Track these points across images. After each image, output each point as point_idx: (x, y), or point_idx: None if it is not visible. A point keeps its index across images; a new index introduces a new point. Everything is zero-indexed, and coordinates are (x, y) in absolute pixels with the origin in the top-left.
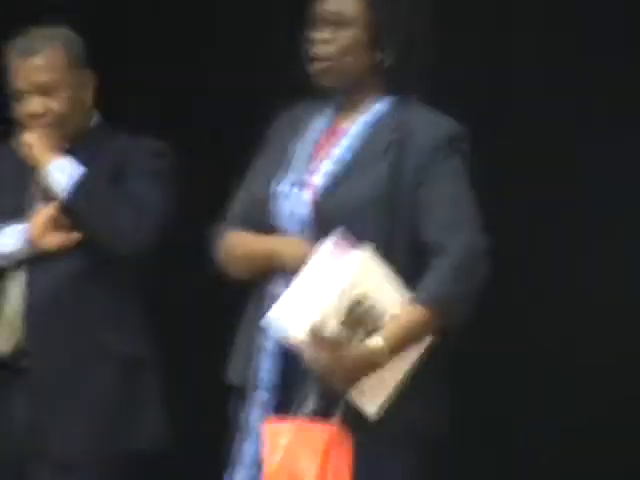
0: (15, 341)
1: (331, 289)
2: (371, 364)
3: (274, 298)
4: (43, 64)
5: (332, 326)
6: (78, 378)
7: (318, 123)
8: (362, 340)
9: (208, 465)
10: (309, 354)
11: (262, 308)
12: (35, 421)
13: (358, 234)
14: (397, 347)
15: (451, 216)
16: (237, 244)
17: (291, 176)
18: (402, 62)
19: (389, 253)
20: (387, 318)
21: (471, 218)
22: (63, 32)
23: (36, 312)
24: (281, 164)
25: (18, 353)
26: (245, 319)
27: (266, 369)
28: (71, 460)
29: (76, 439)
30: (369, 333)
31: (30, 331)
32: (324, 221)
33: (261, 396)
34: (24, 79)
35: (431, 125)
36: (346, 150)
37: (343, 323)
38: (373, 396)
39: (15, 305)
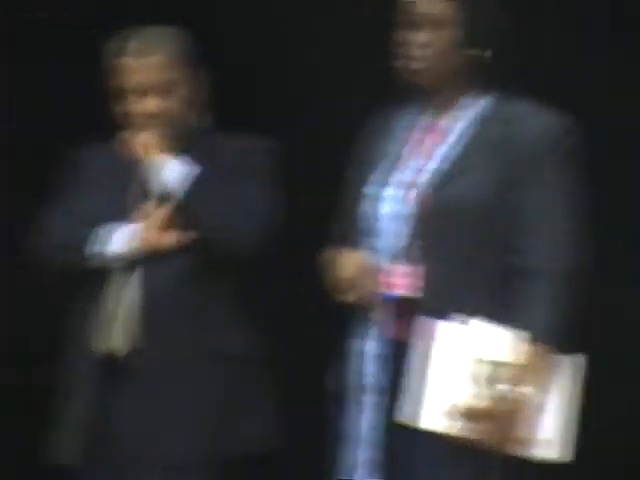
0: (131, 341)
1: (451, 368)
2: (525, 412)
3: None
4: (159, 63)
5: (474, 399)
6: (190, 380)
7: (409, 122)
8: (502, 396)
9: (308, 468)
10: (469, 434)
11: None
12: (145, 422)
13: (468, 233)
14: (535, 387)
15: (547, 237)
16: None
17: (396, 177)
18: (498, 57)
19: (499, 251)
20: (510, 365)
21: (568, 235)
22: (174, 31)
23: (152, 312)
24: (382, 167)
25: (135, 353)
26: (346, 329)
27: (371, 373)
28: (180, 461)
29: (186, 440)
30: (511, 388)
31: (147, 331)
32: (435, 220)
33: (371, 399)
34: (139, 79)
35: (538, 121)
36: (453, 147)
37: (479, 391)
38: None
39: (130, 305)
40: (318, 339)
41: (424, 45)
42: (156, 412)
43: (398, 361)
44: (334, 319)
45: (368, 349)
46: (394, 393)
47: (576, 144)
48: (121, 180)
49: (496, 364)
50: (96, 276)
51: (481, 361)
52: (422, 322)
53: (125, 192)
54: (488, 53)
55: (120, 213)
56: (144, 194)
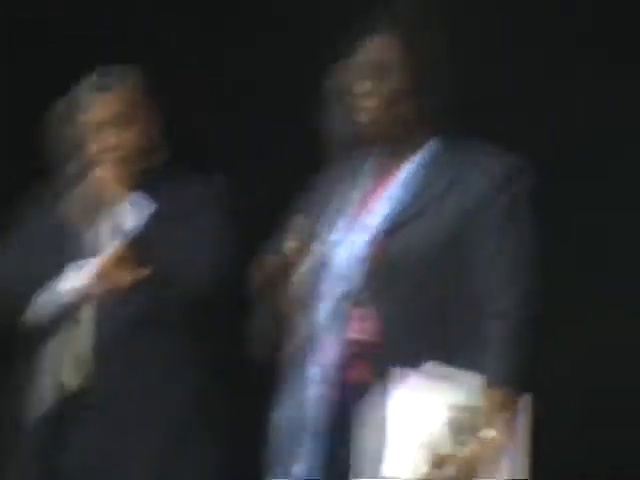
0: (82, 376)
1: (410, 414)
2: (488, 455)
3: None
4: (118, 97)
5: (436, 444)
6: (145, 414)
7: (362, 171)
8: (465, 440)
9: None
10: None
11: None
12: (101, 454)
13: (420, 278)
14: (502, 430)
15: (497, 281)
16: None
17: (344, 222)
18: (443, 101)
19: (455, 295)
20: (479, 411)
21: (526, 276)
22: (133, 70)
23: (104, 348)
24: (330, 213)
25: (85, 388)
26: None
27: (314, 417)
28: None
29: (143, 472)
30: (473, 432)
31: (98, 367)
32: (386, 265)
33: (312, 443)
34: (98, 113)
35: (486, 165)
36: (401, 191)
37: (441, 436)
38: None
39: (83, 340)
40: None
41: (369, 93)
42: (104, 449)
43: (346, 404)
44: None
45: (312, 391)
46: (340, 437)
47: (527, 186)
48: (63, 233)
49: (458, 409)
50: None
51: (442, 406)
52: (376, 367)
53: (78, 231)
54: (436, 99)
55: (77, 250)
56: (99, 231)
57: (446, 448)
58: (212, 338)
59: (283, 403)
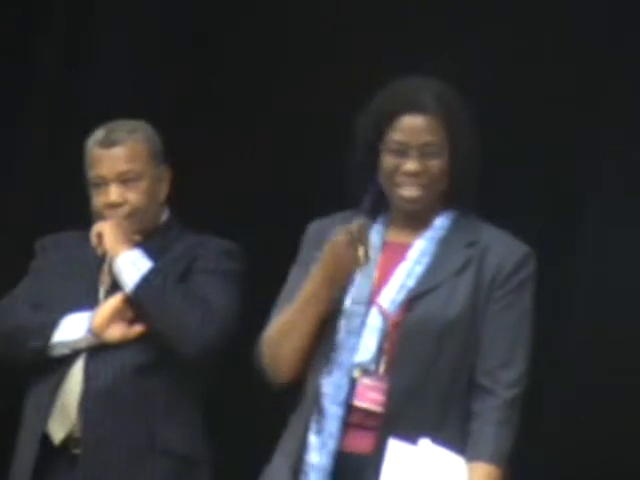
0: (69, 428)
1: None
2: None
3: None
4: (125, 155)
5: None
6: (128, 472)
7: (373, 239)
8: None
9: None
10: None
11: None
12: None
13: (435, 351)
14: None
15: (503, 356)
16: (275, 327)
17: (356, 290)
18: (466, 180)
19: (460, 370)
20: None
21: (523, 356)
22: (143, 126)
23: (92, 402)
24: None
25: (71, 441)
26: (291, 430)
27: None
28: None
29: None
30: None
31: (85, 420)
32: (400, 337)
33: None
34: (105, 168)
35: (505, 247)
36: (416, 264)
37: None
38: None
39: (72, 392)
40: (257, 438)
41: (417, 173)
42: None
43: (345, 474)
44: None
45: (314, 460)
46: None
47: (533, 272)
48: (93, 269)
49: None
50: (46, 363)
51: None
52: (378, 438)
53: (81, 281)
54: (458, 175)
55: (74, 302)
56: (108, 284)
57: None
58: (204, 394)
59: (278, 459)
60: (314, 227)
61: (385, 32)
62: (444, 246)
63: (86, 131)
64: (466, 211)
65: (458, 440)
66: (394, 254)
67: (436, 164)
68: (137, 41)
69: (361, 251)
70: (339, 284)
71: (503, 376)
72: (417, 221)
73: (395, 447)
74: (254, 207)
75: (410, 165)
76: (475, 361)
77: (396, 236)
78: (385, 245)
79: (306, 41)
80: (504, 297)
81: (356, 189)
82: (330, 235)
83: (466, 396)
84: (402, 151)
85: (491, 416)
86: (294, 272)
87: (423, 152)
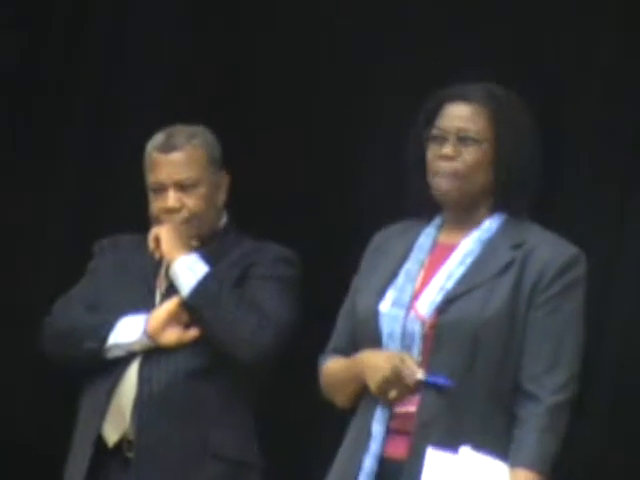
0: (123, 431)
1: None
2: None
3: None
4: (184, 161)
5: None
6: (181, 476)
7: (423, 241)
8: None
9: None
10: None
11: (362, 438)
12: None
13: (471, 353)
14: None
15: (548, 362)
16: (333, 372)
17: (398, 294)
18: (518, 181)
19: (500, 375)
20: None
21: (569, 363)
22: (203, 131)
23: (146, 405)
24: (383, 283)
25: (124, 443)
26: (345, 445)
27: None
28: None
29: None
30: None
31: (138, 423)
32: (437, 338)
33: None
34: (163, 174)
35: (551, 249)
36: (459, 266)
37: None
38: None
39: (127, 395)
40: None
41: (451, 157)
42: None
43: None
44: (332, 426)
45: (366, 465)
46: None
47: (581, 275)
48: (136, 273)
49: None
50: (101, 364)
51: None
52: (415, 442)
53: (137, 285)
54: (510, 176)
55: (130, 304)
56: (165, 288)
57: None
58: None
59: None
60: (377, 236)
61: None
62: (489, 248)
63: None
64: (517, 214)
65: (503, 446)
66: (441, 255)
67: (472, 152)
68: (169, 75)
69: (393, 393)
70: None
71: (548, 382)
72: (466, 222)
73: (433, 456)
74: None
75: (446, 149)
76: (519, 366)
77: (446, 237)
78: (435, 246)
79: (339, 73)
80: (548, 302)
81: (412, 191)
82: (390, 243)
83: (511, 402)
84: (442, 137)
85: (535, 422)
86: (355, 281)
87: (460, 137)
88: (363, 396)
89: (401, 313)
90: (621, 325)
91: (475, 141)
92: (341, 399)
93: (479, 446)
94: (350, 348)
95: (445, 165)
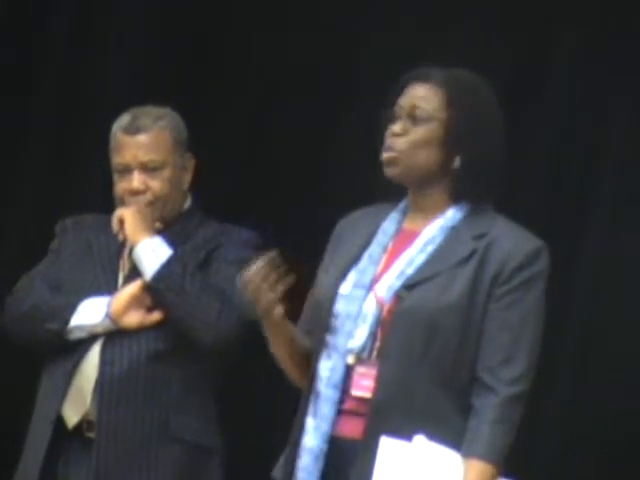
0: (84, 412)
1: None
2: None
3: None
4: (149, 143)
5: None
6: (142, 458)
7: (387, 225)
8: None
9: None
10: None
11: (307, 408)
12: None
13: (428, 340)
14: None
15: (505, 353)
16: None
17: (359, 276)
18: (476, 167)
19: (456, 364)
20: None
21: (527, 355)
22: (169, 113)
23: (107, 386)
24: (346, 265)
25: (84, 423)
26: (297, 419)
27: (305, 468)
28: None
29: None
30: None
31: (99, 405)
32: (393, 324)
33: None
34: (128, 155)
35: (514, 240)
36: (420, 253)
37: None
38: None
39: (88, 377)
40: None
41: (398, 134)
42: None
43: (337, 459)
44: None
45: (307, 443)
46: None
47: (543, 269)
48: (99, 255)
49: None
50: (62, 345)
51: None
52: (370, 425)
53: (100, 266)
54: (466, 161)
55: (92, 286)
56: (128, 270)
57: None
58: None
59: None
60: (341, 222)
61: None
62: (451, 237)
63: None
64: (482, 203)
65: (459, 434)
66: (404, 241)
67: (418, 130)
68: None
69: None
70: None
71: (504, 373)
72: (428, 209)
73: (388, 444)
74: None
75: (395, 126)
76: (477, 357)
77: (410, 224)
78: (399, 232)
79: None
80: (508, 294)
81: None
82: (354, 228)
83: (468, 391)
84: (397, 116)
85: (489, 413)
86: (320, 268)
87: (410, 115)
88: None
89: (361, 294)
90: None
91: (424, 120)
92: (293, 376)
93: (432, 431)
94: (309, 328)
95: (390, 141)
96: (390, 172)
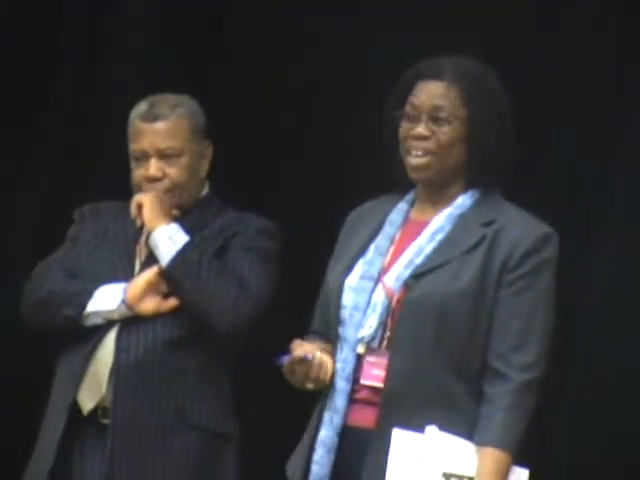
0: (99, 398)
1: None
2: None
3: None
4: (167, 130)
5: None
6: (157, 444)
7: (394, 216)
8: None
9: None
10: None
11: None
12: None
13: (438, 328)
14: None
15: (516, 340)
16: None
17: (367, 268)
18: (490, 158)
19: (467, 352)
20: (472, 478)
21: (538, 342)
22: (187, 100)
23: (123, 373)
24: (353, 257)
25: (100, 410)
26: (315, 412)
27: (318, 461)
28: None
29: None
30: None
31: (115, 390)
32: (404, 313)
33: None
34: (146, 142)
35: (522, 227)
36: (429, 242)
37: None
38: None
39: (104, 363)
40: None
41: (425, 137)
42: (119, 472)
43: (350, 450)
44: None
45: (322, 436)
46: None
47: (552, 255)
48: (116, 241)
49: (453, 477)
50: (78, 331)
51: (438, 474)
52: (382, 414)
53: (117, 253)
54: (482, 153)
55: (109, 272)
56: (144, 257)
57: None
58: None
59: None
60: (352, 214)
61: None
62: (460, 224)
63: None
64: (491, 191)
65: (472, 420)
66: (412, 231)
67: (446, 131)
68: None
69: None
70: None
71: (516, 360)
72: (439, 199)
73: (400, 435)
74: None
75: (419, 129)
76: (488, 344)
77: (418, 214)
78: (407, 222)
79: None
80: (518, 280)
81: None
82: (363, 220)
83: (479, 379)
84: (415, 116)
85: (502, 400)
86: (330, 261)
87: (432, 117)
88: None
89: (369, 285)
90: (592, 306)
91: (448, 120)
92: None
93: (445, 418)
94: (324, 327)
95: (418, 144)
96: (422, 175)
